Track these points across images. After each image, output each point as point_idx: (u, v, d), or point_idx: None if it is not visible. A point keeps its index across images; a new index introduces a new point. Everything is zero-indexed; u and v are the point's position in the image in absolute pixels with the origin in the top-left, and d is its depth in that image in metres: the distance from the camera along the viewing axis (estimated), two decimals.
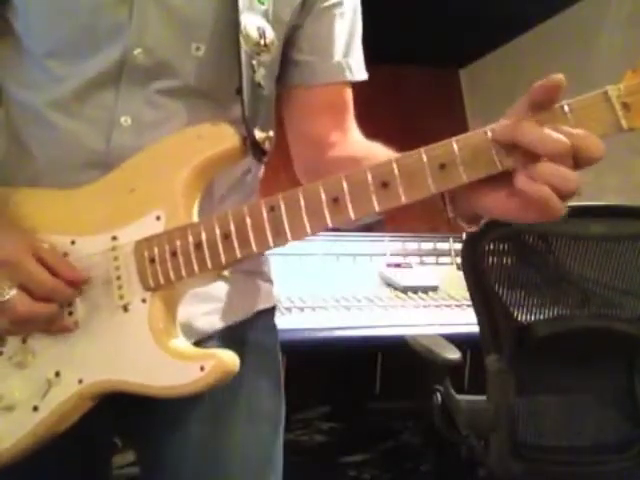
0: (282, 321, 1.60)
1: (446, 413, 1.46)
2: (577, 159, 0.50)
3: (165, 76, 0.71)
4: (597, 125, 0.51)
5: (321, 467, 2.07)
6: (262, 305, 0.85)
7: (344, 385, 2.20)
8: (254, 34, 0.71)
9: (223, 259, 0.63)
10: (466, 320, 1.61)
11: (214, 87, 0.74)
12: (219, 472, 0.77)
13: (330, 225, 0.58)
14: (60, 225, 0.71)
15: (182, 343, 0.66)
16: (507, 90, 3.49)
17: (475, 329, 1.40)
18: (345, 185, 0.57)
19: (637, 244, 1.32)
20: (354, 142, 0.80)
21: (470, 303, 1.43)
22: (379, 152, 0.72)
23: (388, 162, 0.56)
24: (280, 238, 0.60)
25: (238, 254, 0.62)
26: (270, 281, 0.89)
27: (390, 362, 2.08)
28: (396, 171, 0.55)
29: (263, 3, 0.73)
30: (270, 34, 0.73)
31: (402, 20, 3.04)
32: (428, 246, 2.27)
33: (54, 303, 0.66)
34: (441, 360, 1.39)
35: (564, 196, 0.50)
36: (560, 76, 0.50)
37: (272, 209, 0.60)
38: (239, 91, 0.70)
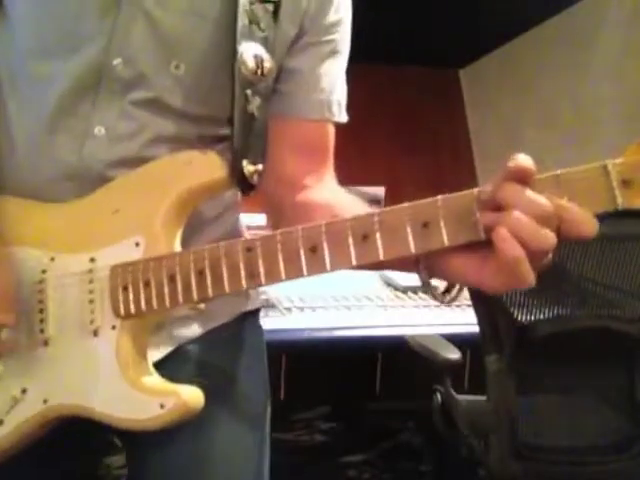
0: (282, 321, 1.60)
1: (446, 413, 1.47)
2: (560, 229, 0.47)
3: (140, 87, 0.70)
4: (588, 200, 0.47)
5: (321, 467, 2.07)
6: (248, 307, 0.85)
7: (344, 385, 2.19)
8: (251, 63, 0.69)
9: (195, 295, 0.61)
10: (466, 320, 1.61)
11: (195, 108, 0.72)
12: (204, 473, 0.76)
13: (306, 275, 0.57)
14: (42, 240, 0.70)
15: (148, 375, 0.65)
16: (507, 90, 3.49)
17: (475, 329, 1.40)
18: (324, 235, 0.55)
19: (637, 244, 1.32)
20: (327, 189, 0.77)
21: (470, 303, 1.44)
22: (351, 203, 0.71)
23: (370, 215, 0.54)
24: (253, 281, 0.59)
25: (210, 292, 0.60)
26: None
27: (390, 362, 2.07)
28: (377, 225, 0.53)
29: (264, 30, 0.70)
30: (268, 62, 0.71)
31: (402, 20, 3.05)
32: None
33: None
34: (441, 360, 1.39)
35: (536, 258, 0.48)
36: (527, 163, 0.47)
37: (249, 250, 0.59)
38: (230, 120, 0.68)
